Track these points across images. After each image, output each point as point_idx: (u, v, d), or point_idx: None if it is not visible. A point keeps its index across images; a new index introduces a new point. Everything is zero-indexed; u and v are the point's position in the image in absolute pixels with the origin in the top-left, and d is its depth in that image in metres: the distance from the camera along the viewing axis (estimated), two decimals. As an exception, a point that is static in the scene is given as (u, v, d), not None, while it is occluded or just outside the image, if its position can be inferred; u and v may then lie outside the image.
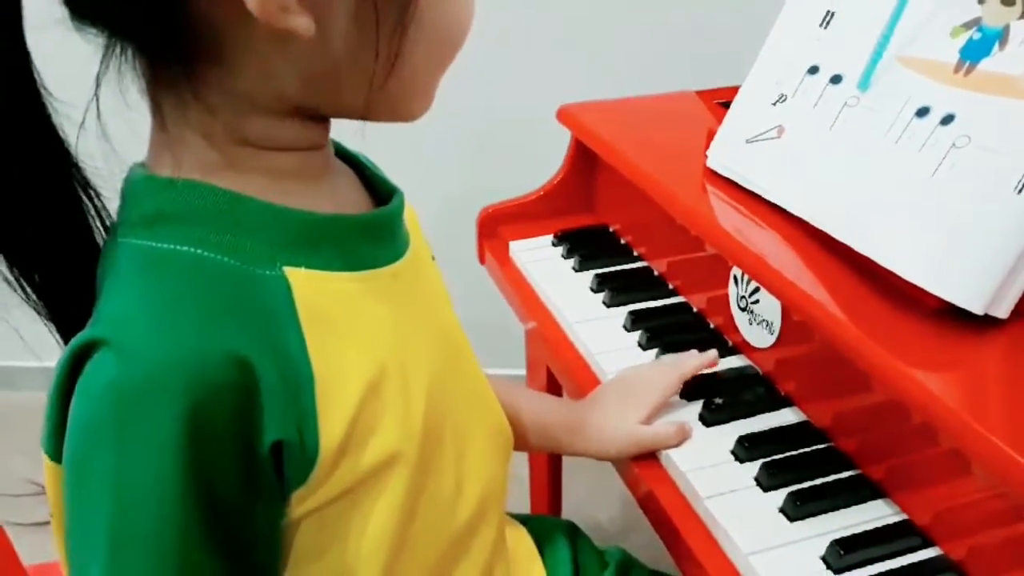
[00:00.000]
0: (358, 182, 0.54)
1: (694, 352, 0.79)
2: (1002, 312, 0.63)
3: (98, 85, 0.43)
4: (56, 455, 0.43)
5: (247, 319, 0.43)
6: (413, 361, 0.49)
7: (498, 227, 1.10)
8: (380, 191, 0.54)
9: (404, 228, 0.53)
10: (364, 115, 0.47)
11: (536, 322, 0.96)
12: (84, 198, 0.47)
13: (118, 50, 0.43)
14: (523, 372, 1.19)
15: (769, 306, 0.78)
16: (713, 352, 0.79)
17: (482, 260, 1.11)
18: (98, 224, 0.48)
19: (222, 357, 0.41)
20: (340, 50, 0.43)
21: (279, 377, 0.43)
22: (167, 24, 0.41)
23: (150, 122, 0.47)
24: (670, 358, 0.80)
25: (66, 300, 0.47)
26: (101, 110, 0.44)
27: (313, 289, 0.45)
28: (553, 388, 1.10)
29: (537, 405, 0.75)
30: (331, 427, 0.44)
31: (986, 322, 0.64)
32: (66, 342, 0.48)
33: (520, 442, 0.69)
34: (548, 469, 1.19)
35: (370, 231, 0.50)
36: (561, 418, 0.74)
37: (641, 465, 0.73)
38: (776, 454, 0.71)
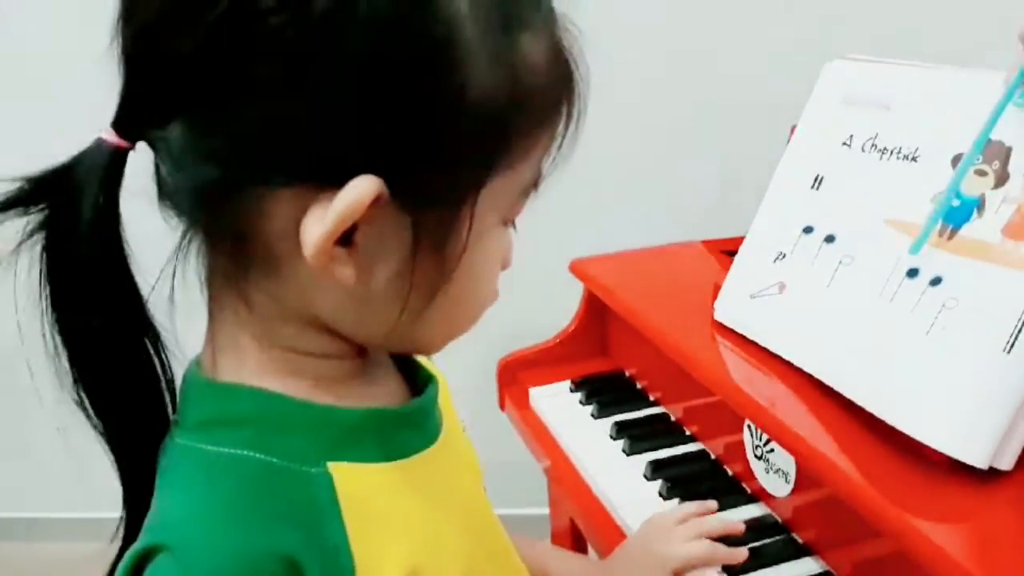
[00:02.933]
0: (394, 369, 0.57)
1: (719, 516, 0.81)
2: (1005, 464, 0.66)
3: (176, 261, 0.47)
4: None
5: (295, 517, 0.46)
6: (448, 548, 0.52)
7: (517, 374, 1.14)
8: (415, 374, 0.58)
9: (437, 411, 0.57)
10: (381, 347, 0.53)
11: (551, 462, 0.99)
12: (157, 362, 0.50)
13: (189, 237, 0.47)
14: (546, 511, 1.21)
15: (783, 456, 0.81)
16: (740, 525, 0.81)
17: (502, 407, 1.15)
18: (166, 389, 0.51)
19: (274, 561, 0.44)
20: (372, 299, 0.47)
21: (323, 573, 0.45)
22: (236, 235, 0.45)
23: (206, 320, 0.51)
24: (693, 507, 0.82)
25: (138, 459, 0.50)
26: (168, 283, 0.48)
27: (354, 482, 0.48)
28: (576, 528, 1.12)
29: (565, 566, 0.77)
30: None
31: (991, 474, 0.67)
32: (129, 502, 0.51)
33: None
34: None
35: (406, 421, 0.53)
36: None
37: (668, 620, 0.75)
38: (799, 607, 0.73)
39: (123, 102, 0.44)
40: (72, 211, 0.45)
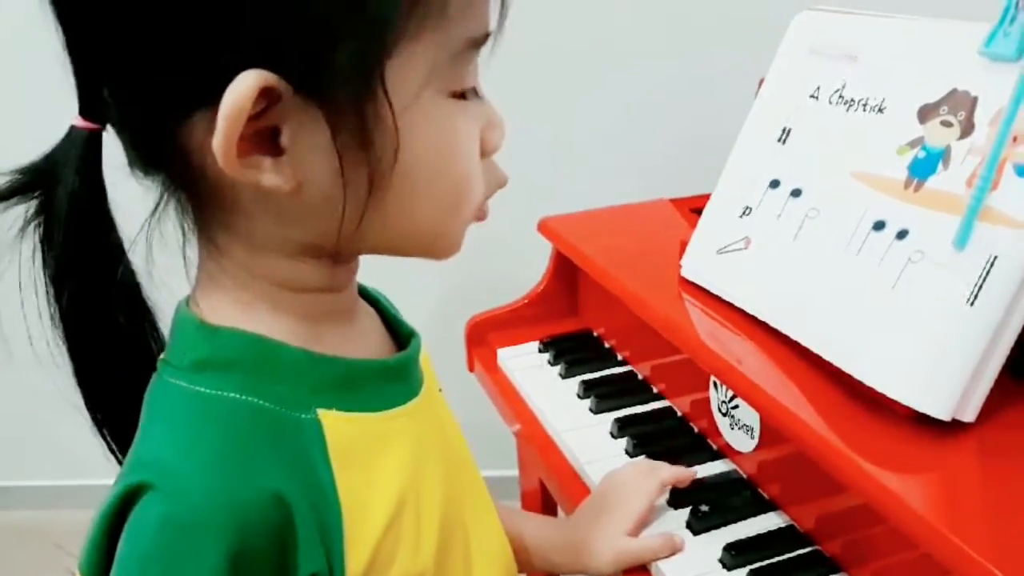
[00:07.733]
0: (379, 323, 0.58)
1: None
2: (968, 416, 0.66)
3: (151, 221, 0.49)
4: None
5: (285, 460, 0.47)
6: (428, 493, 0.53)
7: (486, 335, 1.13)
8: (398, 330, 0.58)
9: (419, 367, 0.57)
10: (369, 251, 0.51)
11: (522, 426, 0.99)
12: (143, 315, 0.52)
13: (165, 198, 0.49)
14: (515, 472, 1.20)
15: (748, 411, 0.81)
16: (692, 470, 0.82)
17: (471, 368, 1.14)
18: (152, 339, 0.53)
19: (264, 499, 0.44)
20: (321, 204, 0.46)
21: (312, 513, 0.46)
22: (185, 180, 0.46)
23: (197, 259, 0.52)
24: (648, 462, 0.82)
25: (121, 408, 0.51)
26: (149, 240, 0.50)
27: (342, 430, 0.49)
28: (546, 489, 1.12)
29: (538, 530, 0.77)
30: (356, 557, 0.48)
31: (955, 426, 0.66)
32: (113, 446, 0.53)
33: (523, 566, 0.72)
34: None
35: (392, 374, 0.54)
36: (556, 541, 0.76)
37: (632, 577, 0.75)
38: (763, 560, 0.73)
39: (79, 87, 0.46)
40: (56, 196, 0.48)
